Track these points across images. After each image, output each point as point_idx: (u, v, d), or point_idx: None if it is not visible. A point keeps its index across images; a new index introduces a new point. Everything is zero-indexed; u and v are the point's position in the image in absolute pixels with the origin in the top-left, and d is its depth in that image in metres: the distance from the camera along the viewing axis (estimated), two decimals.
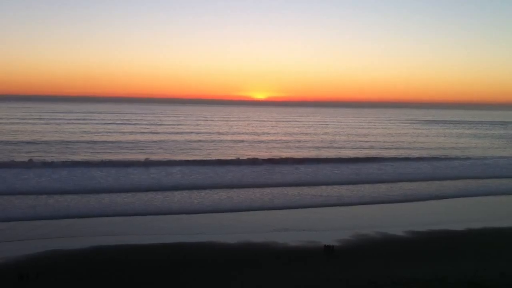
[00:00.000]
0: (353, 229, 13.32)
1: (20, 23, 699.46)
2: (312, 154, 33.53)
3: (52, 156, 27.69)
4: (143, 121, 68.49)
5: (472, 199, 18.83)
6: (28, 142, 35.04)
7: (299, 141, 44.39)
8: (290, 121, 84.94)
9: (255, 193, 18.70)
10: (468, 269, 9.21)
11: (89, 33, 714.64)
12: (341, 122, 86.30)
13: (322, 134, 54.89)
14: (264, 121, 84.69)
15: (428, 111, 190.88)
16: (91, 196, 17.01)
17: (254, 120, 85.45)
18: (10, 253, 10.35)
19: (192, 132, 51.18)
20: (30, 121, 60.70)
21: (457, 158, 32.39)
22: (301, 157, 30.62)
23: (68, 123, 59.24)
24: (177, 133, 49.79)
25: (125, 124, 61.31)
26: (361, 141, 46.03)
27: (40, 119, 65.85)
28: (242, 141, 43.18)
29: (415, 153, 34.69)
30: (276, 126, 68.81)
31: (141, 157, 28.23)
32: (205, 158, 28.63)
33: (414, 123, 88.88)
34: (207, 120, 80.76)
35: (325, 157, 31.21)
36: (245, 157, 29.29)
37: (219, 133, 51.95)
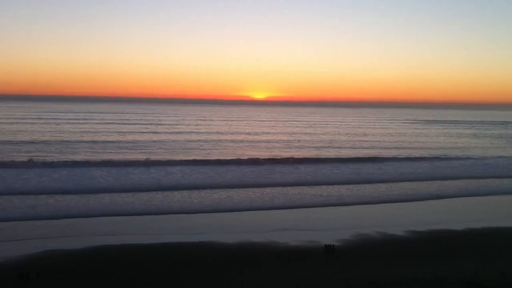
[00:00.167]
0: (353, 229, 13.32)
1: (20, 23, 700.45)
2: (312, 154, 33.52)
3: (52, 156, 27.70)
4: (143, 121, 68.45)
5: (472, 199, 18.82)
6: (28, 142, 35.04)
7: (299, 141, 44.40)
8: (290, 121, 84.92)
9: (255, 193, 18.69)
10: (468, 269, 9.21)
11: (89, 33, 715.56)
12: (341, 122, 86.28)
13: (322, 134, 54.90)
14: (264, 121, 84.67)
15: (428, 111, 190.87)
16: (91, 196, 17.00)
17: (254, 120, 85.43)
18: (10, 253, 10.35)
19: (192, 132, 51.15)
20: (30, 120, 60.69)
21: (457, 158, 32.42)
22: (301, 157, 30.63)
23: (68, 123, 59.22)
24: (177, 133, 49.76)
25: (125, 124, 61.26)
26: (361, 141, 46.02)
27: (40, 118, 65.83)
28: (242, 141, 43.16)
29: (415, 153, 34.69)
30: (276, 126, 68.81)
31: (141, 157, 28.24)
32: (205, 158, 28.64)
33: (414, 123, 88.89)
34: (207, 120, 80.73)
35: (325, 157, 31.24)
36: (245, 157, 29.31)
37: (219, 133, 51.93)
